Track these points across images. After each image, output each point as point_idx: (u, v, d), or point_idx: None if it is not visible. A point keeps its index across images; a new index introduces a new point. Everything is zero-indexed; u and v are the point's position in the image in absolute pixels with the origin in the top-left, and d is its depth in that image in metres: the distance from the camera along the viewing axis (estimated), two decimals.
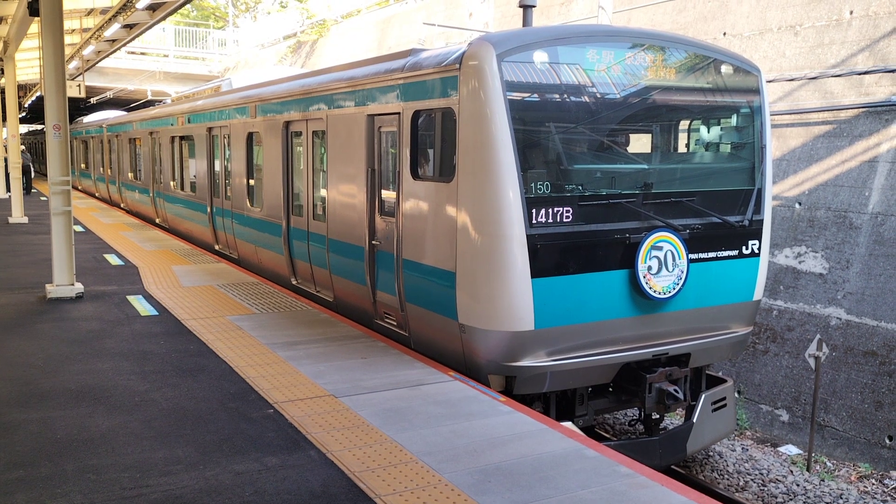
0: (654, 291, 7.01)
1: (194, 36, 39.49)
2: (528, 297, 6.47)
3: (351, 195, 8.72)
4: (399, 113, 7.64)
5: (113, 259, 13.28)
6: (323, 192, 9.60)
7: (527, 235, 6.41)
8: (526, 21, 8.35)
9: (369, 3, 29.92)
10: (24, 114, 43.52)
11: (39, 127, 53.64)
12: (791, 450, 10.32)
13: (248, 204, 12.14)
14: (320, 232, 9.58)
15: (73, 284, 10.09)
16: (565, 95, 6.81)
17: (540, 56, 6.60)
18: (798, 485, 8.78)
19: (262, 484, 4.62)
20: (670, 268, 7.07)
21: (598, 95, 6.90)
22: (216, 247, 14.30)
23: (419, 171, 7.47)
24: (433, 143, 7.35)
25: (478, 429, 5.53)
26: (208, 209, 14.35)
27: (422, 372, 6.87)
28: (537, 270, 6.48)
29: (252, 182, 12.16)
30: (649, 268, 6.95)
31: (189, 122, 15.53)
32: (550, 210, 6.54)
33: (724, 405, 8.01)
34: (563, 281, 6.64)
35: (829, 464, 9.98)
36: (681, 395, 7.23)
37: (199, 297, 10.01)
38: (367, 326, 8.62)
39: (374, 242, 8.28)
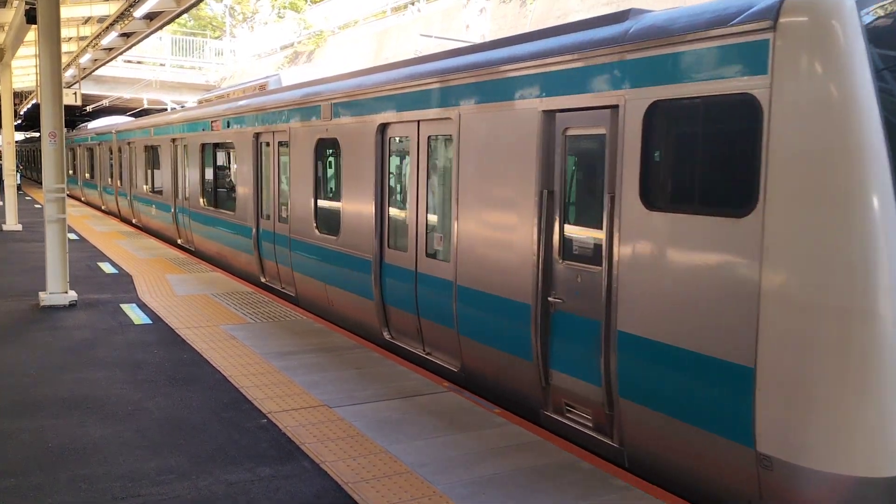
0: None
1: (191, 45, 39.60)
2: None
3: (504, 228, 6.35)
4: (617, 106, 5.23)
5: (107, 267, 13.25)
6: (448, 220, 7.22)
7: None
8: None
9: (366, 14, 30.04)
10: (19, 121, 43.51)
11: (35, 135, 53.61)
12: None
13: (317, 230, 9.87)
14: (443, 276, 7.20)
15: (66, 292, 10.07)
16: None
17: None
18: None
19: (255, 494, 4.60)
20: None
21: None
22: (262, 279, 11.90)
23: (661, 195, 4.98)
24: (697, 153, 4.84)
25: (472, 440, 5.52)
26: (253, 232, 11.97)
27: (417, 383, 6.85)
28: None
29: (322, 202, 9.96)
30: None
31: (228, 126, 13.18)
32: None
33: None
34: None
35: None
36: None
37: (192, 306, 9.98)
38: (526, 417, 6.21)
39: (551, 299, 5.90)
